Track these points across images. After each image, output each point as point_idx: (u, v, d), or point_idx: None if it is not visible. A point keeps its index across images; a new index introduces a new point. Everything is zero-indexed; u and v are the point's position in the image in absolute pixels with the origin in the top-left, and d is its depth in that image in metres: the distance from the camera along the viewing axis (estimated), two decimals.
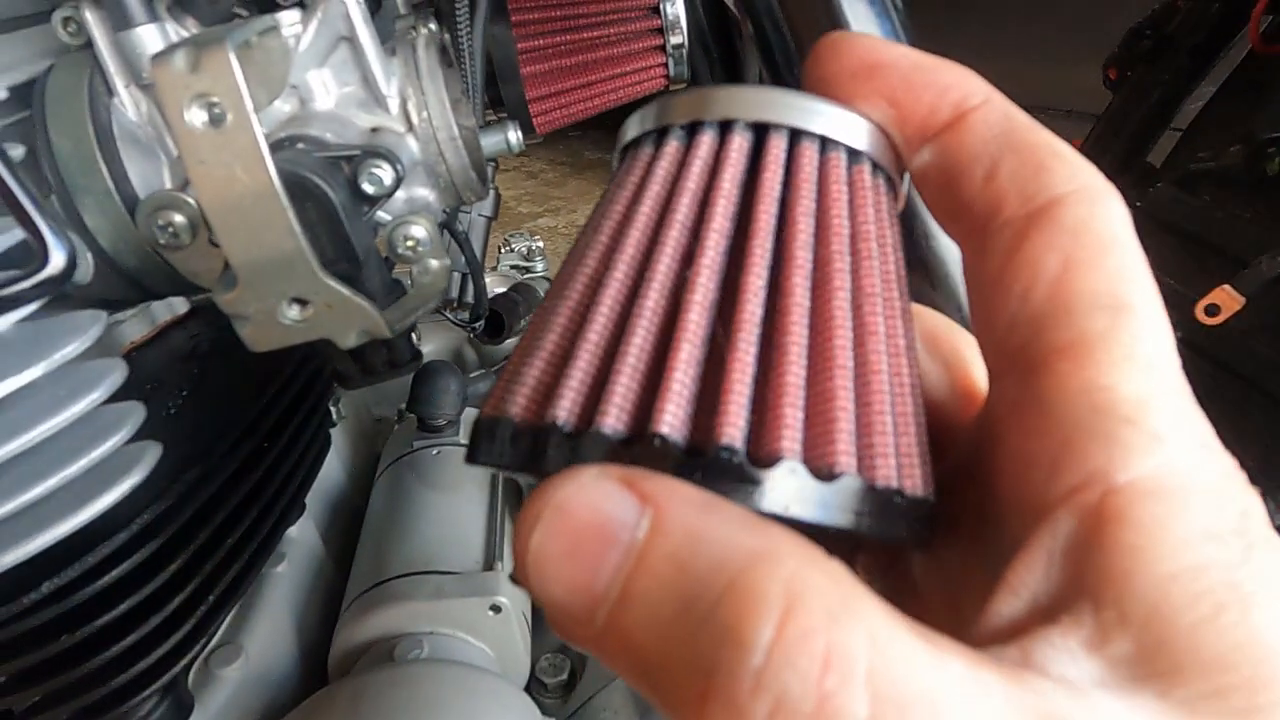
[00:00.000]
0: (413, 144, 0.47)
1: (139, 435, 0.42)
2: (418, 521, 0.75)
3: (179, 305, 0.64)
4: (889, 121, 0.22)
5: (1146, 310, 0.18)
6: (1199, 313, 0.79)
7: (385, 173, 0.43)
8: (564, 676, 0.74)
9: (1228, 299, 0.78)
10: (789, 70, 0.45)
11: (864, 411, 0.18)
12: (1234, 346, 0.77)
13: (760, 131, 0.21)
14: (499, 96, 0.72)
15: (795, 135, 0.21)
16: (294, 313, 0.39)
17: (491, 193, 0.87)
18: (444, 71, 0.48)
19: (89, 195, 0.44)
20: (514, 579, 0.17)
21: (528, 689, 0.72)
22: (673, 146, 0.22)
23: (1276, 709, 0.15)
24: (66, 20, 0.45)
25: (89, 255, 0.45)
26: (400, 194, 0.48)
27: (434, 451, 0.83)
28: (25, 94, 0.44)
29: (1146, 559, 0.16)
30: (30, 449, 0.37)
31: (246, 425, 0.52)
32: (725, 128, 0.22)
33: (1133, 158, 1.00)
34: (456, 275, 0.79)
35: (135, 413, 0.42)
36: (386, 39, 0.49)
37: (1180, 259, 0.87)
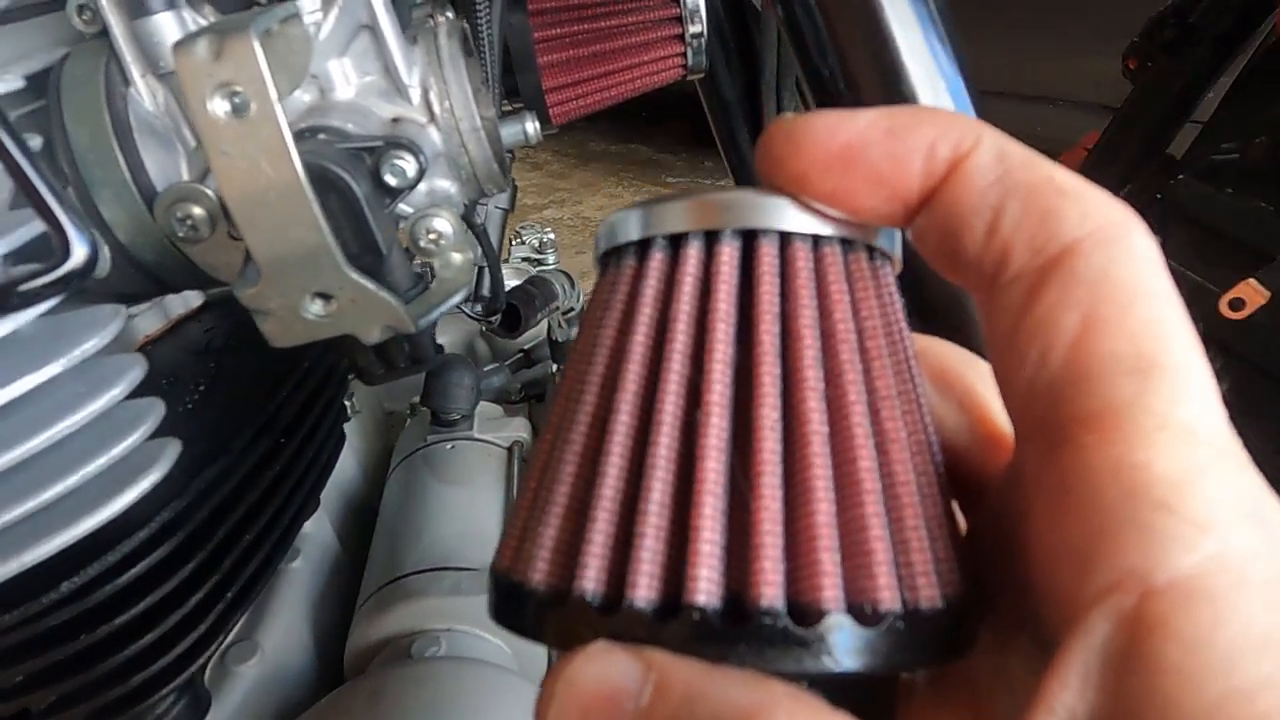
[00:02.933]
0: (435, 135, 0.46)
1: (158, 431, 0.41)
2: (433, 517, 0.75)
3: (193, 298, 0.63)
4: (883, 202, 0.19)
5: (1182, 367, 0.16)
6: (1223, 307, 0.78)
7: (408, 164, 0.42)
8: None
9: (1252, 293, 0.77)
10: (822, 60, 0.44)
11: (899, 529, 0.18)
12: (1259, 341, 0.76)
13: (748, 237, 0.21)
14: (514, 86, 0.71)
15: (785, 237, 0.20)
16: (317, 308, 0.38)
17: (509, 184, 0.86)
18: (466, 61, 0.47)
19: (106, 187, 0.43)
20: None
21: None
22: (658, 260, 0.21)
23: None
24: (81, 8, 0.44)
25: (105, 248, 0.44)
26: (421, 186, 0.47)
27: (448, 446, 0.82)
28: (41, 82, 0.44)
29: (1192, 681, 0.13)
30: (51, 446, 0.36)
31: (264, 421, 0.52)
32: (711, 237, 0.21)
33: (1153, 149, 0.99)
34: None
35: (155, 409, 0.41)
36: (405, 27, 0.48)
37: (1203, 252, 0.86)
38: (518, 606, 0.19)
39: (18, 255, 0.36)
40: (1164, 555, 0.14)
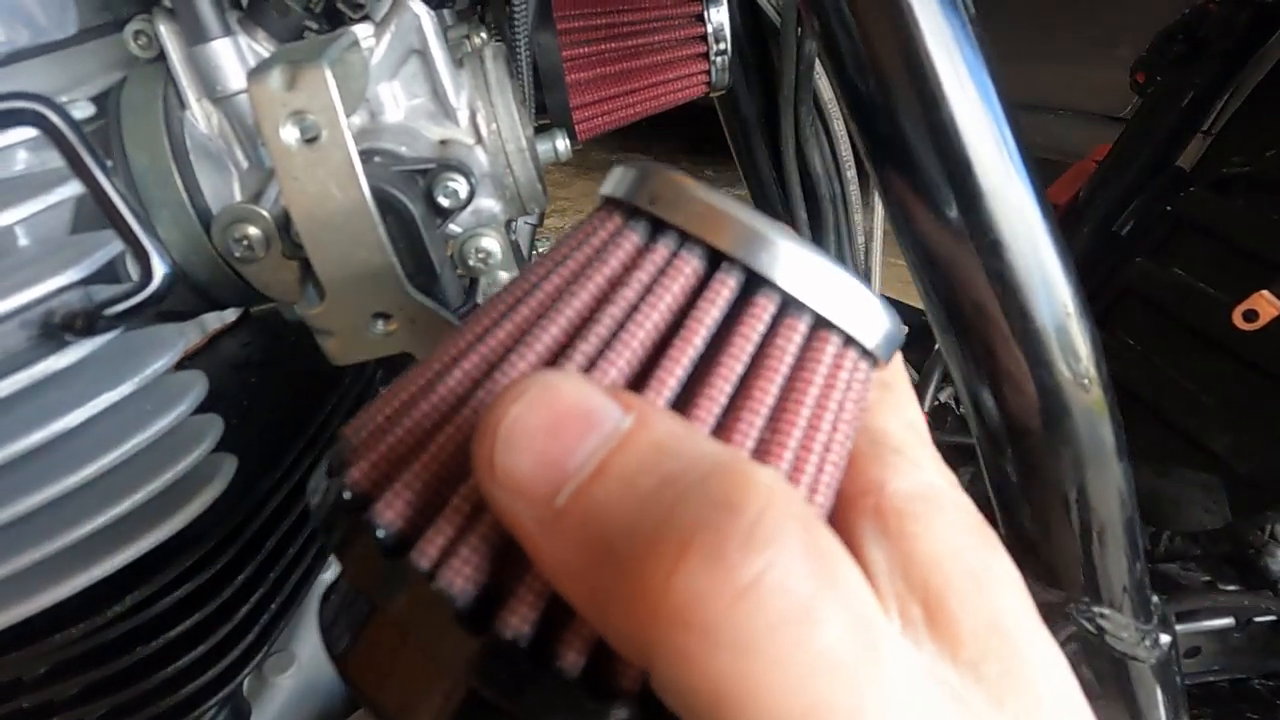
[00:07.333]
0: (481, 156, 0.47)
1: (216, 447, 0.42)
2: None
3: (228, 313, 0.64)
4: None
5: (906, 392, 0.24)
6: (1237, 318, 0.79)
7: (460, 186, 0.43)
8: None
9: (1266, 304, 0.78)
10: (860, 77, 0.45)
11: None
12: (1273, 352, 0.78)
13: (749, 277, 0.19)
14: (542, 103, 0.72)
15: (789, 301, 0.19)
16: (379, 327, 0.39)
17: None
18: (511, 83, 0.48)
19: (164, 208, 0.44)
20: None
21: None
22: (651, 251, 0.20)
23: (1011, 674, 0.18)
24: (138, 33, 0.45)
25: None
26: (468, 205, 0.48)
27: None
28: (100, 105, 0.45)
29: (922, 540, 0.19)
30: (121, 462, 0.37)
31: (310, 434, 0.52)
32: (713, 258, 0.20)
33: (1163, 162, 1.01)
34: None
35: (214, 425, 0.42)
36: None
37: (1215, 264, 0.87)
38: (360, 535, 0.18)
39: (87, 279, 0.37)
40: (898, 474, 0.21)
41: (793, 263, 0.19)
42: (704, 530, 0.15)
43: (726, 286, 0.19)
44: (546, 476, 0.16)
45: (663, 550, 0.15)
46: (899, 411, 0.23)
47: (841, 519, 0.20)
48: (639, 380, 0.19)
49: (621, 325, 0.19)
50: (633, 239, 0.20)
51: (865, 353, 0.20)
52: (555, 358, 0.19)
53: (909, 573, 0.19)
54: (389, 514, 0.18)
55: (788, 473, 0.19)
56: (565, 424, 0.16)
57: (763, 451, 0.19)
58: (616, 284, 0.20)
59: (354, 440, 0.21)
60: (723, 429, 0.19)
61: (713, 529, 0.15)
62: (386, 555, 0.18)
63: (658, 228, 0.20)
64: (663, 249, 0.20)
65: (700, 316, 0.19)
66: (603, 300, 0.20)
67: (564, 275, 0.21)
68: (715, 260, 0.20)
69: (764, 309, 0.19)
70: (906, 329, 0.22)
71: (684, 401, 0.19)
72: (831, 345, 0.20)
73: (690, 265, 0.20)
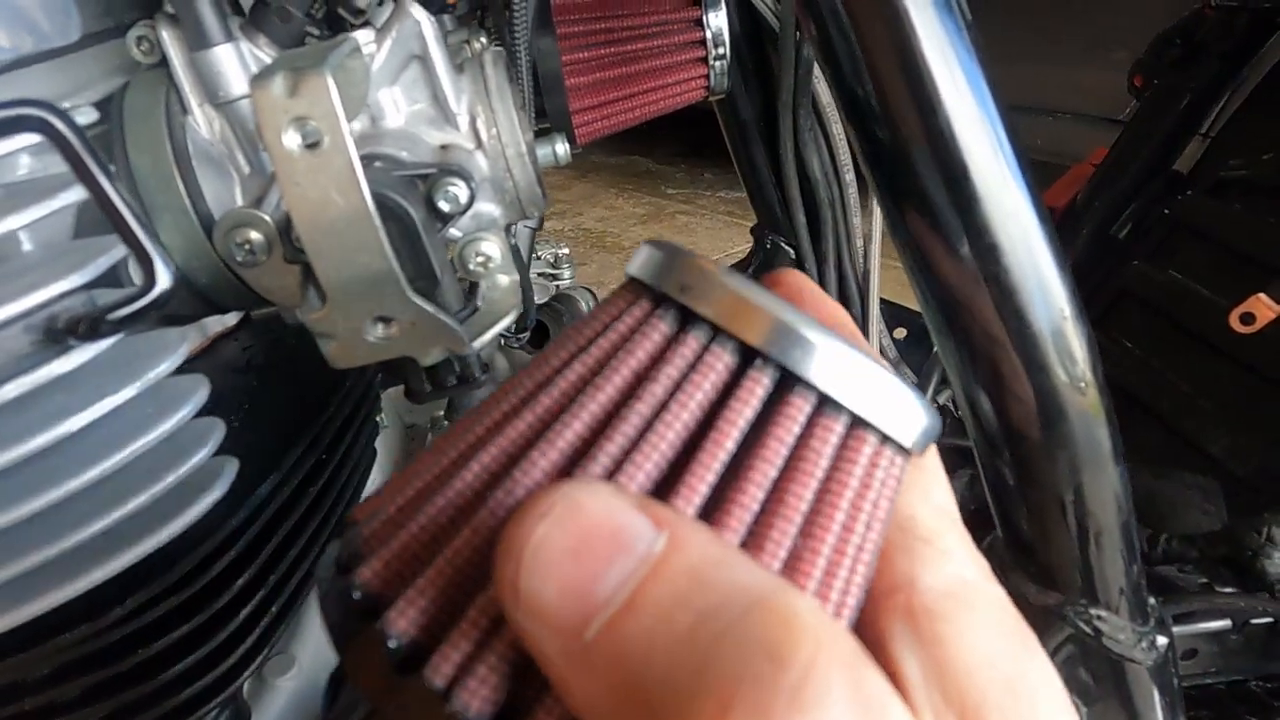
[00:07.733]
0: (481, 161, 0.47)
1: (217, 450, 0.42)
2: None
3: (229, 317, 0.64)
4: None
5: (935, 472, 0.22)
6: (1234, 321, 0.79)
7: (460, 190, 0.44)
8: None
9: (1263, 308, 0.78)
10: (857, 81, 0.45)
11: None
12: (1270, 355, 0.78)
13: (784, 374, 0.19)
14: (541, 107, 0.72)
15: (824, 400, 0.19)
16: (379, 331, 0.40)
17: None
18: (510, 88, 0.49)
19: (166, 213, 0.44)
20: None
21: None
22: (682, 345, 0.19)
23: None
24: (140, 39, 0.45)
25: None
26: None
27: None
28: (103, 110, 0.45)
29: (954, 646, 0.18)
30: (124, 465, 0.37)
31: (311, 438, 0.53)
32: (746, 355, 0.19)
33: (1160, 166, 1.01)
34: None
35: (216, 428, 0.42)
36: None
37: (1212, 267, 0.87)
38: (364, 637, 0.18)
39: (91, 284, 0.37)
40: (926, 568, 0.20)
41: (829, 360, 0.18)
42: (747, 685, 0.14)
43: (760, 385, 0.19)
44: (574, 606, 0.15)
45: (703, 705, 0.14)
46: (927, 495, 0.22)
47: (870, 617, 0.19)
48: (667, 484, 0.18)
49: (649, 424, 0.18)
50: (661, 329, 0.19)
51: (901, 448, 0.20)
52: (579, 456, 0.18)
53: (944, 684, 0.18)
54: (402, 623, 0.18)
55: (820, 580, 0.18)
56: (593, 545, 0.16)
57: (795, 559, 0.18)
58: (644, 378, 0.19)
59: (365, 530, 0.20)
60: (755, 537, 0.18)
61: (756, 683, 0.14)
62: (398, 669, 0.17)
63: (688, 318, 0.19)
64: (693, 342, 0.19)
65: (732, 417, 0.18)
66: (629, 395, 0.19)
67: (588, 363, 0.20)
68: (748, 355, 0.19)
69: (799, 409, 0.18)
70: (942, 421, 0.20)
71: (714, 507, 0.18)
72: (868, 445, 0.19)
73: (722, 361, 0.19)
